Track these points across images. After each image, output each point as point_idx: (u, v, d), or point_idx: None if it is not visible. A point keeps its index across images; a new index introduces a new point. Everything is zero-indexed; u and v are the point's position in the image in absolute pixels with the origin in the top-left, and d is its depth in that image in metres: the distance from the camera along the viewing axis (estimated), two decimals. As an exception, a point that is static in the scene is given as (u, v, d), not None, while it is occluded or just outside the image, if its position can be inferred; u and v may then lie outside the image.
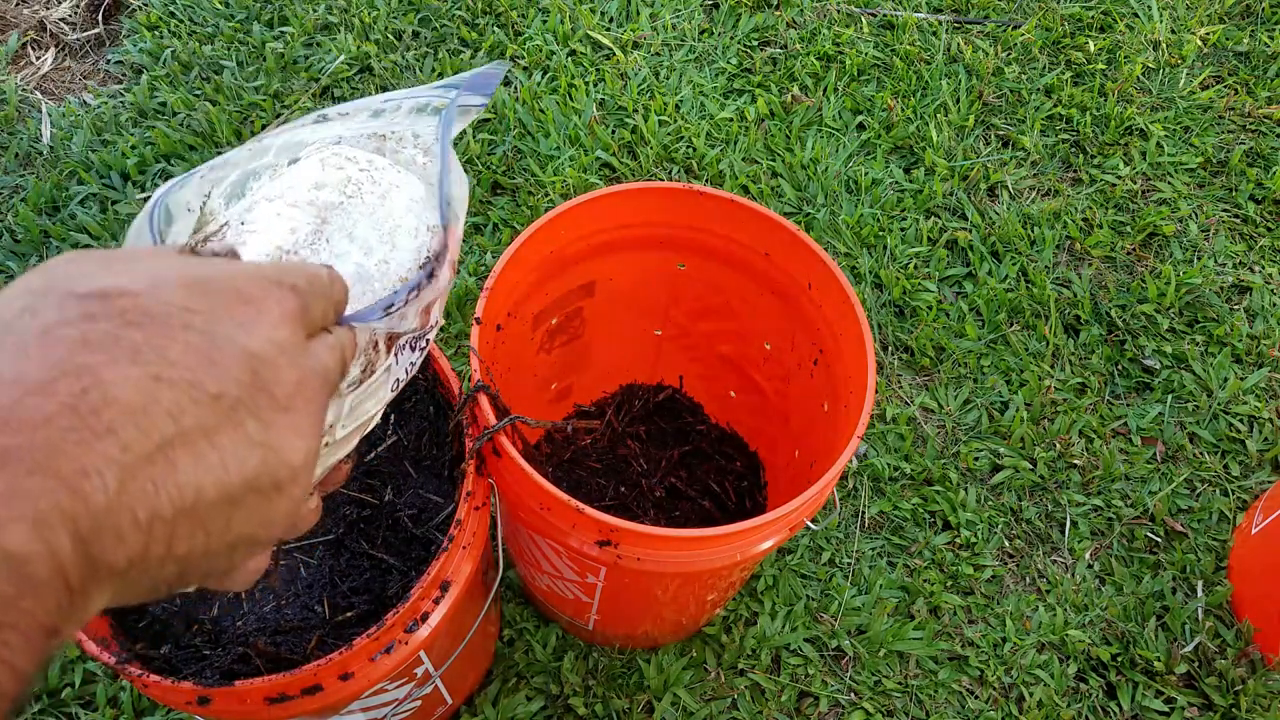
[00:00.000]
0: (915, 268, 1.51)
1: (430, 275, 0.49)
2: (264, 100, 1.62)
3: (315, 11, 1.76)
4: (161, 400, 0.28)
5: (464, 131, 1.60)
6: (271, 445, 0.31)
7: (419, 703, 0.89)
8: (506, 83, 1.70)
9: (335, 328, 0.38)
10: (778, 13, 1.84)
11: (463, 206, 0.54)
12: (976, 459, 1.34)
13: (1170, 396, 1.41)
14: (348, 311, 0.41)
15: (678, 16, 1.81)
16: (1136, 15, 1.89)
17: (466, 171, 1.57)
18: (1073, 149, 1.70)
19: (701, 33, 1.80)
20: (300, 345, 0.34)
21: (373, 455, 0.85)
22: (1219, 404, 1.40)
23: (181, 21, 1.75)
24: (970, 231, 1.56)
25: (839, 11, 1.85)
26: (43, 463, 0.25)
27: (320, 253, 0.48)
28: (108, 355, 0.28)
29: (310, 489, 0.35)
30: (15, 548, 0.25)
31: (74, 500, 0.26)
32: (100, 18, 1.78)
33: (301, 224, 0.49)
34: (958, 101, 1.72)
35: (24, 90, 1.67)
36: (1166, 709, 1.17)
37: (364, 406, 0.47)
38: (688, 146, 1.62)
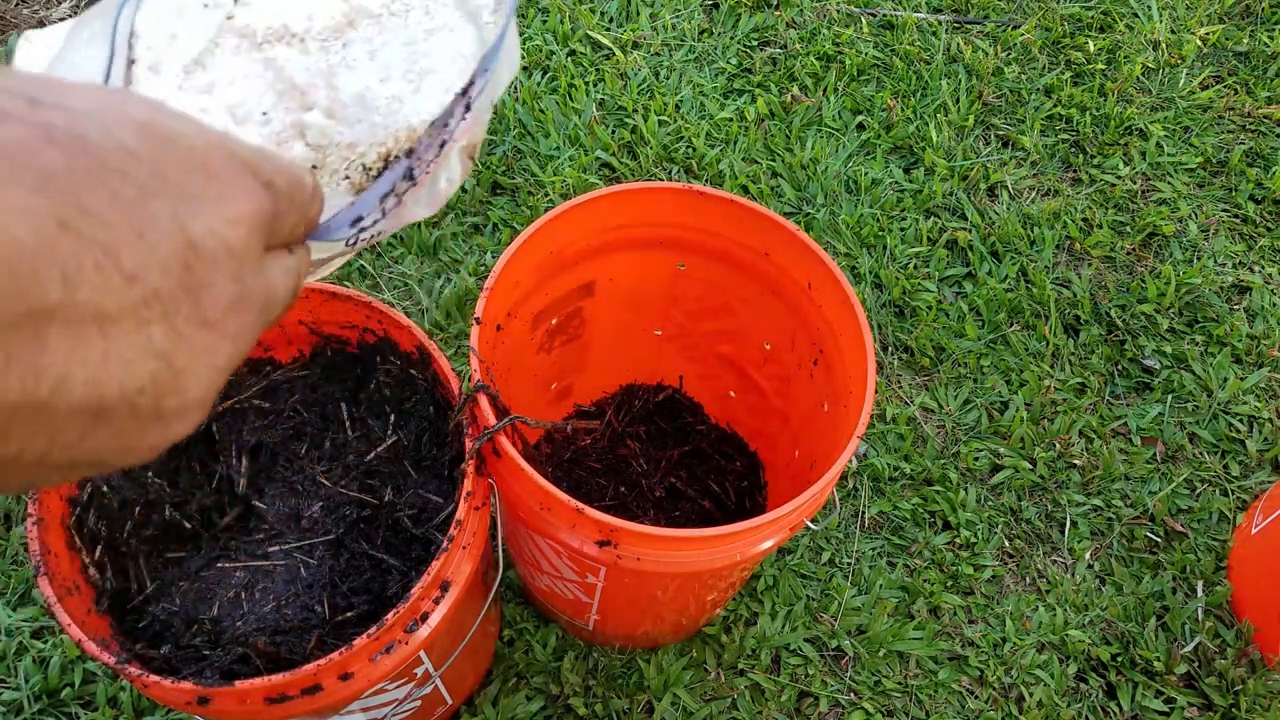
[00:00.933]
0: (915, 268, 1.51)
1: (437, 148, 0.41)
2: (264, 100, 1.62)
3: (315, 11, 1.76)
4: (59, 253, 0.21)
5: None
6: (173, 364, 0.24)
7: (419, 703, 0.90)
8: (506, 83, 1.70)
9: (297, 246, 0.31)
10: (778, 13, 1.84)
11: (498, 89, 0.45)
12: (976, 459, 1.34)
13: (1170, 396, 1.41)
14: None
15: (678, 16, 1.81)
16: (1136, 15, 1.89)
17: (466, 171, 1.56)
18: (1073, 149, 1.70)
19: (701, 33, 1.80)
20: (254, 255, 0.27)
21: (372, 455, 0.85)
22: (1219, 404, 1.41)
23: (181, 21, 1.75)
24: (970, 231, 1.56)
25: (839, 11, 1.85)
26: None
27: (329, 53, 0.42)
28: (7, 168, 0.21)
29: (194, 428, 0.27)
30: None
31: None
32: (100, 18, 1.78)
33: (322, 9, 0.43)
34: (957, 101, 1.72)
35: (24, 90, 1.66)
36: (1166, 709, 1.17)
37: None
38: (688, 146, 1.62)
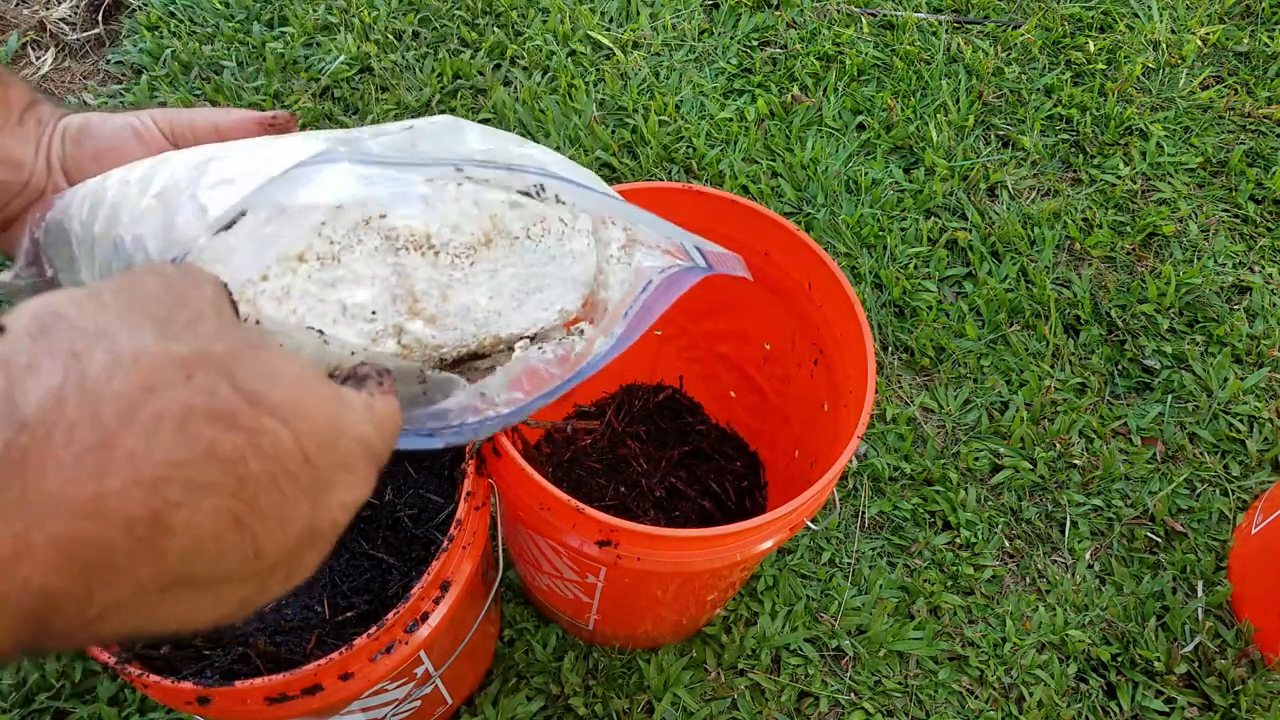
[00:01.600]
0: (915, 268, 1.51)
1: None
2: (264, 100, 1.62)
3: (315, 12, 1.76)
4: (223, 544, 0.27)
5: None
6: (246, 606, 0.30)
7: (419, 703, 0.90)
8: (506, 83, 1.70)
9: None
10: (778, 13, 1.84)
11: (600, 363, 0.48)
12: (976, 459, 1.34)
13: (1170, 396, 1.41)
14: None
15: (678, 16, 1.81)
16: (1136, 15, 1.89)
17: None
18: (1073, 149, 1.70)
19: (701, 33, 1.80)
20: (341, 528, 0.33)
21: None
22: (1219, 404, 1.40)
23: (181, 22, 1.76)
24: (970, 231, 1.56)
25: (839, 11, 1.85)
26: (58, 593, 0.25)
27: (455, 268, 0.44)
28: (218, 481, 0.26)
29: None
30: (38, 580, 0.24)
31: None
32: (100, 18, 1.78)
33: (468, 224, 0.43)
34: (958, 101, 1.72)
35: (24, 90, 1.67)
36: (1166, 709, 1.17)
37: None
38: (688, 146, 1.62)
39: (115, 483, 0.24)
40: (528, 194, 0.43)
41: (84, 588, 0.25)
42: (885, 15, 1.85)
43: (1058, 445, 1.36)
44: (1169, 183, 1.66)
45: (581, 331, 0.49)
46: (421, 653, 0.76)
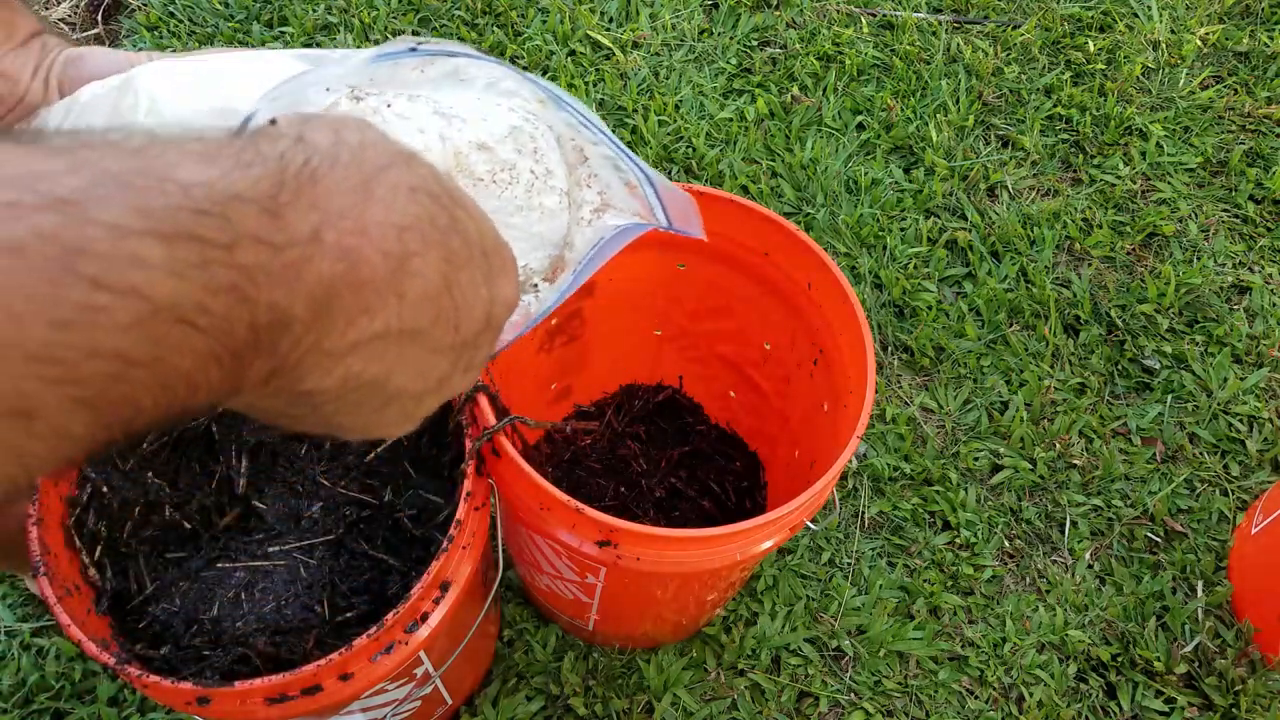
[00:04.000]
0: (915, 268, 1.51)
1: None
2: (264, 100, 1.62)
3: (315, 11, 1.76)
4: (439, 302, 0.33)
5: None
6: (435, 389, 0.36)
7: (419, 703, 0.89)
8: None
9: None
10: (777, 13, 1.84)
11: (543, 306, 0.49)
12: (976, 459, 1.34)
13: (1170, 396, 1.41)
14: None
15: (677, 16, 1.81)
16: (1136, 15, 1.89)
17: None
18: (1072, 149, 1.70)
19: (701, 33, 1.80)
20: (497, 336, 0.39)
21: (372, 455, 0.85)
22: (1219, 404, 1.40)
23: (181, 22, 1.75)
24: (970, 231, 1.56)
25: (839, 11, 1.85)
26: (357, 275, 0.30)
27: None
28: (437, 244, 0.33)
29: (390, 433, 0.39)
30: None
31: (347, 325, 0.30)
32: (100, 18, 1.78)
33: (435, 151, 0.44)
34: (957, 101, 1.72)
35: (24, 90, 1.67)
36: (1166, 709, 1.17)
37: None
38: (687, 146, 1.62)
39: (377, 215, 0.30)
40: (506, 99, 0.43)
41: (352, 300, 0.29)
42: (885, 15, 1.85)
43: (1058, 445, 1.36)
44: (1169, 183, 1.66)
45: (536, 287, 0.49)
46: (421, 653, 0.76)
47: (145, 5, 1.78)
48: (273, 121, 0.31)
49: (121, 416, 0.25)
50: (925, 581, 1.24)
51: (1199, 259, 1.56)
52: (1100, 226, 1.59)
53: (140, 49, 1.71)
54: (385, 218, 0.30)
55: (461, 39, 1.74)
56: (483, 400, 0.77)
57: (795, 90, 1.71)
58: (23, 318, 0.21)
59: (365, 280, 0.29)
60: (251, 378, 0.28)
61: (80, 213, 0.22)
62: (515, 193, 0.46)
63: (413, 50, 0.43)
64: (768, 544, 0.81)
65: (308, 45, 1.72)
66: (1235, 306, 1.52)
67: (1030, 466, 1.34)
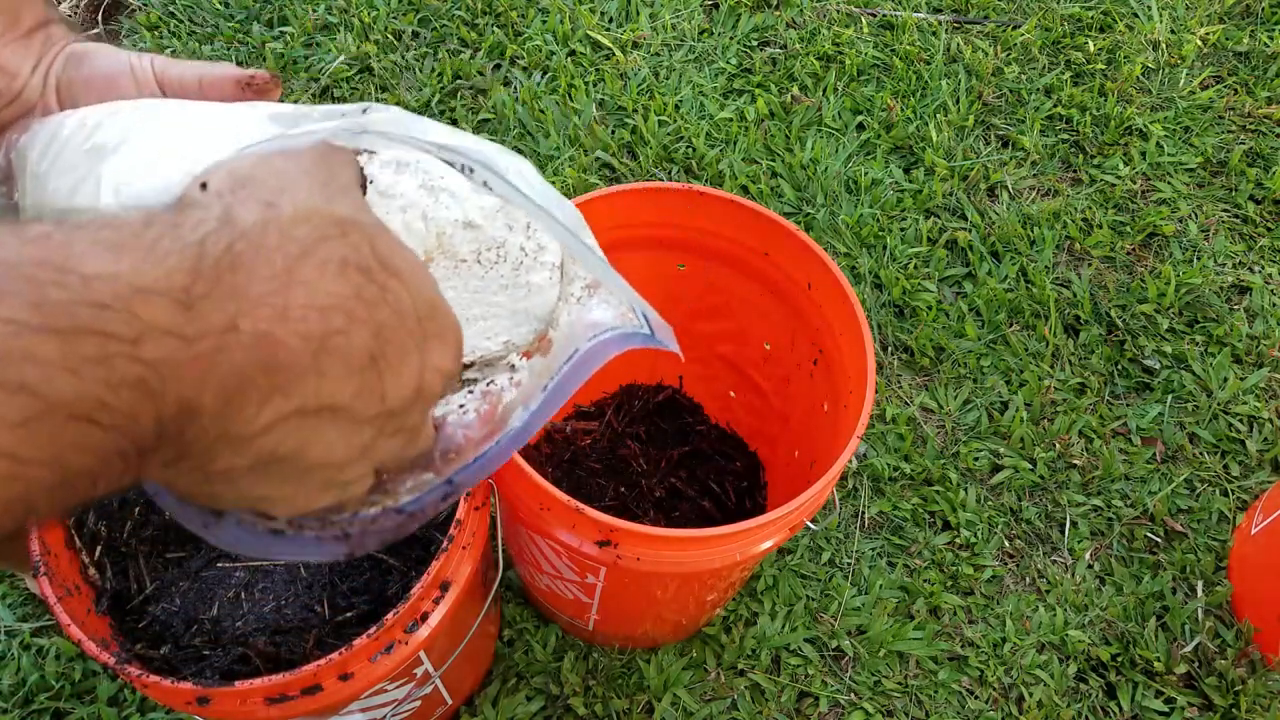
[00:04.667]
0: (915, 268, 1.51)
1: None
2: (264, 100, 1.62)
3: (315, 11, 1.76)
4: (364, 377, 0.32)
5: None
6: (358, 457, 0.35)
7: (419, 703, 0.89)
8: (506, 83, 1.70)
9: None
10: (777, 13, 1.84)
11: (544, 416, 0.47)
12: (976, 459, 1.34)
13: (1170, 396, 1.41)
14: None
15: (677, 16, 1.81)
16: (1136, 15, 1.89)
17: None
18: (1072, 149, 1.70)
19: (701, 33, 1.80)
20: (435, 401, 0.37)
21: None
22: (1219, 404, 1.40)
23: (181, 22, 1.75)
24: (970, 231, 1.56)
25: (839, 11, 1.85)
26: (271, 360, 0.29)
27: None
28: (364, 320, 0.32)
29: (317, 508, 0.37)
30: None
31: (259, 408, 0.29)
32: (100, 18, 1.78)
33: (414, 235, 0.42)
34: (957, 101, 1.72)
35: (24, 90, 1.67)
36: (1166, 709, 1.17)
37: None
38: (687, 147, 1.62)
39: (299, 299, 0.29)
40: (463, 170, 0.39)
41: (265, 384, 0.29)
42: (885, 15, 1.85)
43: (1058, 445, 1.36)
44: (1169, 183, 1.66)
45: (513, 367, 0.46)
46: (421, 653, 0.76)
47: (145, 5, 1.78)
48: (203, 186, 0.31)
49: (12, 515, 0.24)
50: (925, 581, 1.24)
51: (1199, 259, 1.56)
52: (1100, 226, 1.59)
53: (141, 48, 1.71)
54: (308, 300, 0.30)
55: (462, 39, 1.74)
56: (483, 400, 0.77)
57: (795, 90, 1.71)
58: None
59: (282, 364, 0.29)
60: (155, 463, 0.28)
61: None
62: (501, 270, 0.44)
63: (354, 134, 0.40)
64: (768, 544, 0.81)
65: (307, 45, 1.72)
66: (1235, 306, 1.52)
67: (1030, 466, 1.34)
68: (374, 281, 0.32)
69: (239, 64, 1.68)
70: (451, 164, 0.39)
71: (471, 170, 0.39)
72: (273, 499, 0.34)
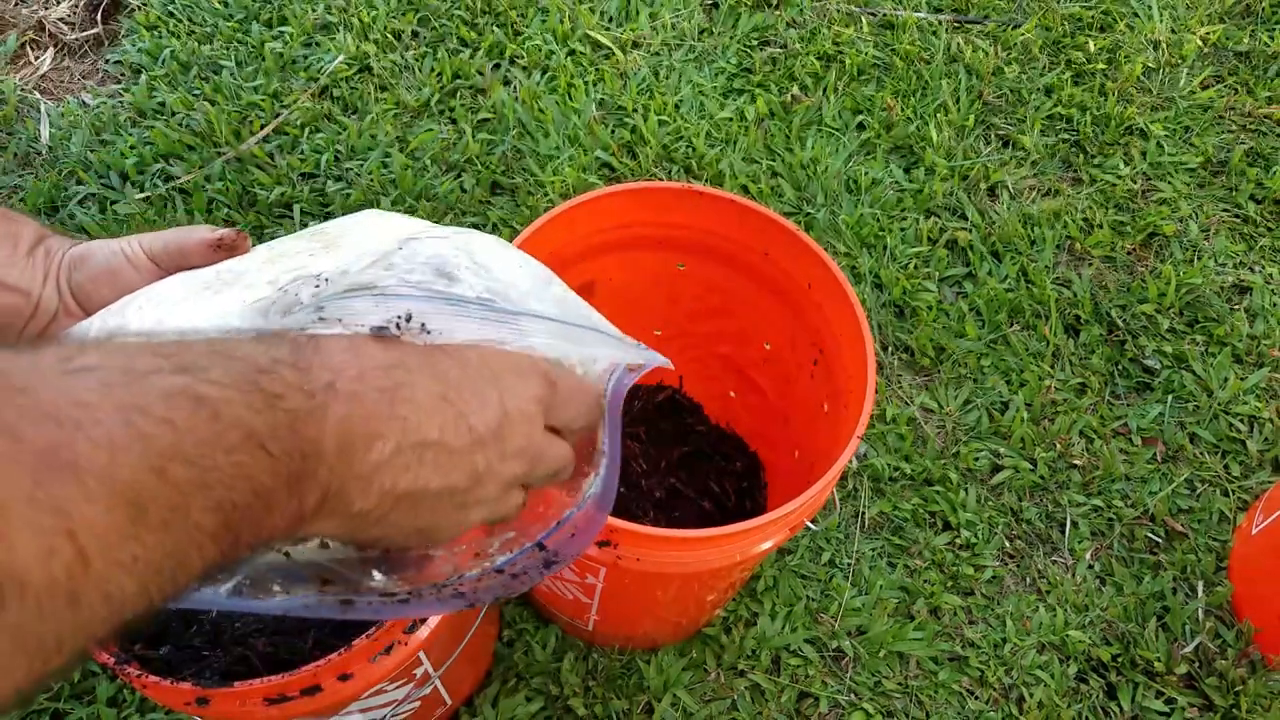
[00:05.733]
0: (915, 268, 1.51)
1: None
2: (263, 100, 1.62)
3: (314, 11, 1.76)
4: (439, 413, 0.39)
5: (463, 132, 1.60)
6: (479, 479, 0.42)
7: (418, 703, 0.89)
8: (505, 82, 1.70)
9: (568, 436, 0.47)
10: (777, 12, 1.84)
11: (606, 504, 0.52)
12: (976, 459, 1.34)
13: (1170, 396, 1.41)
14: None
15: (677, 16, 1.81)
16: (1136, 15, 1.89)
17: (466, 170, 1.57)
18: (1073, 149, 1.70)
19: (701, 32, 1.80)
20: (537, 421, 0.44)
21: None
22: (1219, 404, 1.40)
23: (180, 21, 1.75)
24: (970, 231, 1.56)
25: (839, 11, 1.85)
26: (361, 410, 0.37)
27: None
28: (424, 369, 0.40)
29: (475, 524, 0.44)
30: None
31: (365, 451, 0.37)
32: (99, 18, 1.78)
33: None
34: (958, 101, 1.72)
35: (23, 90, 1.66)
36: (1167, 709, 1.17)
37: None
38: (687, 146, 1.61)
39: (367, 363, 0.38)
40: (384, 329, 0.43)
41: (364, 431, 0.37)
42: (885, 15, 1.84)
43: (1058, 445, 1.36)
44: (1169, 183, 1.66)
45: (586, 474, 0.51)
46: (421, 653, 0.76)
47: (145, 5, 1.78)
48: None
49: (232, 520, 0.32)
50: (925, 582, 1.24)
51: (1199, 259, 1.56)
52: (1101, 226, 1.59)
53: (140, 48, 1.70)
54: (374, 363, 0.38)
55: (461, 39, 1.74)
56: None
57: (795, 90, 1.71)
58: (181, 436, 0.30)
59: (370, 414, 0.37)
60: (309, 503, 0.35)
61: (198, 375, 0.32)
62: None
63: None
64: (768, 544, 0.81)
65: (306, 44, 1.72)
66: (1236, 306, 1.52)
67: (1030, 467, 1.34)
68: (446, 352, 0.41)
69: (237, 64, 1.68)
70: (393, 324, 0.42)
71: (409, 319, 0.42)
72: (427, 529, 0.41)
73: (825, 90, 1.71)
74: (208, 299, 0.48)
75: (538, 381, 0.44)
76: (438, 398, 0.39)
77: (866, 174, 1.60)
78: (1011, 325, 1.47)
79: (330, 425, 0.35)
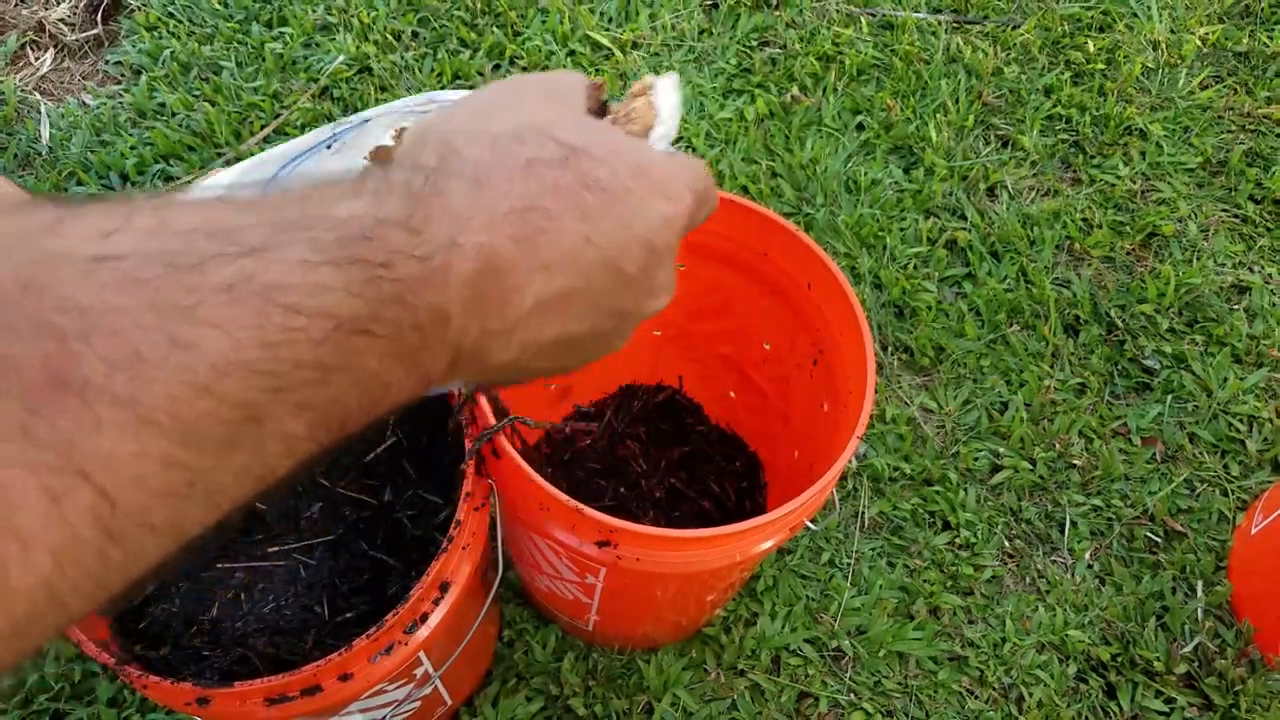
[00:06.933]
0: (915, 268, 1.51)
1: None
2: (263, 101, 1.62)
3: (314, 12, 1.76)
4: (584, 257, 0.35)
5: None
6: (624, 316, 0.39)
7: (418, 703, 0.89)
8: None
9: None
10: (777, 13, 1.84)
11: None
12: (976, 459, 1.34)
13: (1170, 396, 1.41)
14: None
15: (677, 16, 1.81)
16: (1136, 15, 1.89)
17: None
18: (1072, 149, 1.70)
19: (701, 33, 1.80)
20: (676, 251, 0.40)
21: (372, 455, 0.85)
22: (1219, 404, 1.40)
23: (180, 22, 1.75)
24: (970, 231, 1.56)
25: (838, 11, 1.85)
26: (495, 264, 0.33)
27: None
28: (565, 207, 0.34)
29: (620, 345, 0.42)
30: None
31: (502, 307, 0.33)
32: (99, 18, 1.78)
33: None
34: (957, 101, 1.72)
35: (23, 91, 1.66)
36: (1166, 709, 1.17)
37: None
38: (687, 146, 1.62)
39: (499, 208, 0.33)
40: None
41: (498, 286, 0.33)
42: (885, 15, 1.84)
43: (1057, 445, 1.36)
44: (1169, 183, 1.66)
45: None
46: (421, 654, 0.76)
47: (144, 5, 1.78)
48: (398, 135, 0.35)
49: (333, 415, 0.30)
50: (925, 581, 1.24)
51: (1199, 259, 1.56)
52: (1100, 226, 1.59)
53: (140, 49, 1.70)
54: (507, 206, 0.33)
55: (461, 39, 1.74)
56: (482, 400, 0.77)
57: (795, 90, 1.71)
58: (242, 343, 0.26)
59: (504, 267, 0.33)
60: (437, 368, 0.33)
61: (272, 255, 0.27)
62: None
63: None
64: (768, 544, 0.81)
65: (306, 45, 1.72)
66: (1235, 306, 1.52)
67: (1030, 466, 1.34)
68: (567, 168, 0.35)
69: (237, 65, 1.68)
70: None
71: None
72: (568, 367, 0.39)
73: (825, 91, 1.71)
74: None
75: (687, 203, 0.39)
76: (582, 240, 0.35)
77: (866, 174, 1.60)
78: (1011, 325, 1.47)
79: (455, 288, 0.32)
